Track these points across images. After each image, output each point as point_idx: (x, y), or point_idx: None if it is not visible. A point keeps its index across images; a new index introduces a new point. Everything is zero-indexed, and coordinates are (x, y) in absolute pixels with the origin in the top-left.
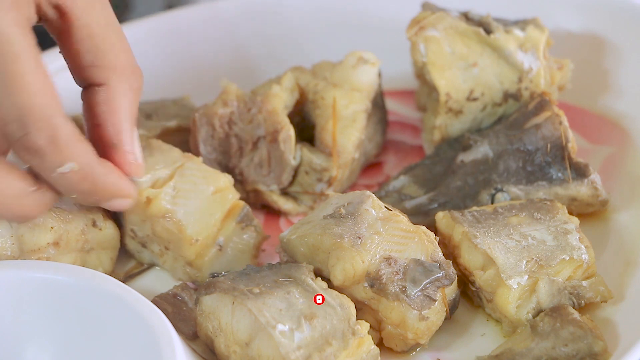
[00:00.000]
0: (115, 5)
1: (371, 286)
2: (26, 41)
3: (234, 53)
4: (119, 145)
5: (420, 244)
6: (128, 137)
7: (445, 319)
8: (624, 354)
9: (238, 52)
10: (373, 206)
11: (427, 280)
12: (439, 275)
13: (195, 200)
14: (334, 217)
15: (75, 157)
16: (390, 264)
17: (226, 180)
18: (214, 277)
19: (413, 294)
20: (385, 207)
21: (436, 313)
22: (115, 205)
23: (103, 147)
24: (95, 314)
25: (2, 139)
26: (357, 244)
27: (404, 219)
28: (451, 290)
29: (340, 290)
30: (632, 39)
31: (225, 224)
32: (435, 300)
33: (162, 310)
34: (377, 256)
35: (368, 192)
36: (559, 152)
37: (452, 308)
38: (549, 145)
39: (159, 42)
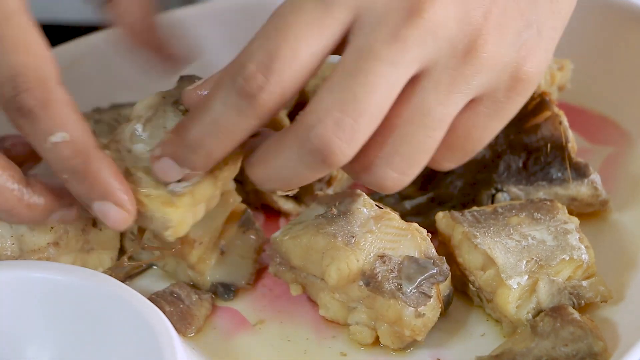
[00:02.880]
0: None
1: (366, 285)
2: (19, 2)
3: (233, 53)
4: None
5: (414, 241)
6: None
7: (440, 315)
8: (624, 354)
9: (237, 52)
10: (364, 205)
11: (421, 277)
12: (434, 271)
13: None
14: (326, 217)
15: (69, 127)
16: (384, 262)
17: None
18: (215, 286)
19: (408, 291)
20: (376, 205)
21: (432, 309)
22: (107, 212)
23: (150, 43)
24: (95, 314)
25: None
26: (351, 243)
27: (395, 216)
28: (445, 287)
29: (334, 290)
30: (632, 39)
31: (227, 227)
32: (430, 297)
33: (159, 309)
34: (372, 254)
35: (358, 191)
36: (559, 152)
37: (447, 304)
38: (549, 145)
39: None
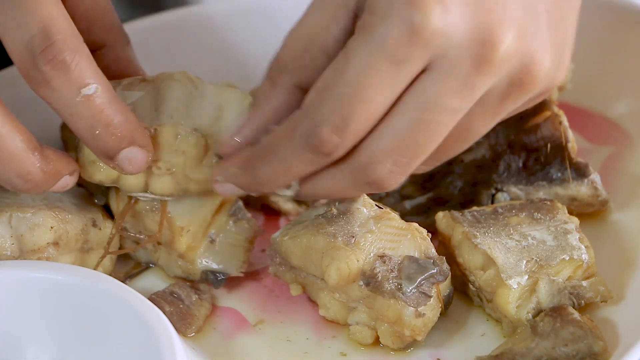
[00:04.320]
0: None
1: (367, 285)
2: None
3: (232, 54)
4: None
5: (413, 241)
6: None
7: (440, 314)
8: (624, 354)
9: (236, 53)
10: (364, 205)
11: (421, 277)
12: (434, 271)
13: None
14: (326, 217)
15: (98, 78)
16: (384, 262)
17: None
18: (205, 273)
19: (409, 290)
20: (376, 205)
21: (432, 309)
22: (135, 157)
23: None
24: (95, 314)
25: (28, 55)
26: (350, 243)
27: (395, 216)
28: (445, 286)
29: (334, 290)
30: (632, 39)
31: (217, 217)
32: (430, 297)
33: (159, 309)
34: (372, 254)
35: None
36: (559, 152)
37: (447, 304)
38: (549, 145)
39: (156, 43)
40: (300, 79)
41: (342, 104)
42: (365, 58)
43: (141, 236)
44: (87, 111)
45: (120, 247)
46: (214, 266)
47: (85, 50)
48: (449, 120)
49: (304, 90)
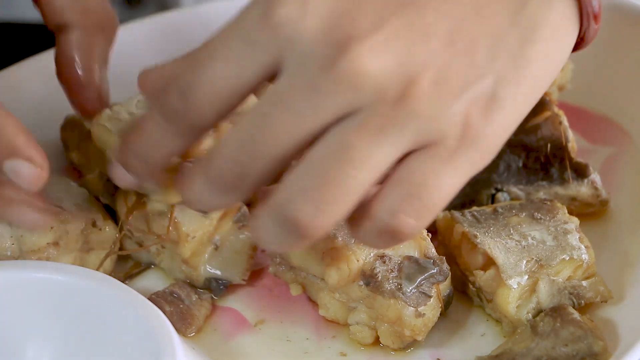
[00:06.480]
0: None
1: (366, 285)
2: None
3: None
4: (87, 84)
5: (413, 241)
6: (96, 77)
7: (440, 314)
8: (624, 354)
9: None
10: None
11: (421, 277)
12: (433, 271)
13: None
14: None
15: None
16: (384, 262)
17: None
18: (209, 280)
19: (409, 290)
20: None
21: (432, 309)
22: (19, 170)
23: (73, 87)
24: (95, 314)
25: None
26: (351, 243)
27: None
28: (445, 286)
29: (334, 290)
30: (632, 39)
31: (222, 223)
32: (430, 297)
33: (159, 309)
34: (371, 254)
35: None
36: (559, 152)
37: (447, 304)
38: (549, 145)
39: (156, 44)
40: None
41: (190, 70)
42: (221, 33)
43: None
44: None
45: (121, 248)
46: (218, 273)
47: None
48: (292, 122)
49: None
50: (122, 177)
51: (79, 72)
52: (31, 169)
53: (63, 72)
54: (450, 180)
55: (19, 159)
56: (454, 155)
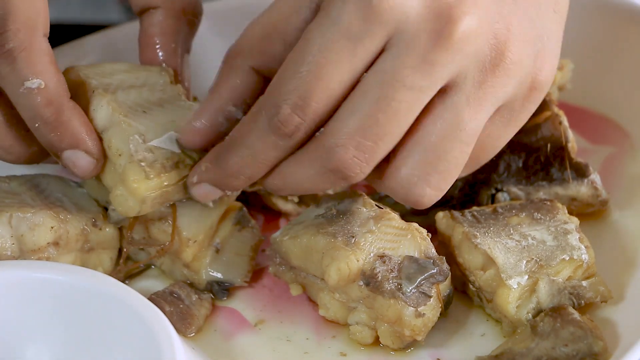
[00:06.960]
0: None
1: (366, 285)
2: None
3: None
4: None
5: (413, 241)
6: (178, 61)
7: (440, 314)
8: (624, 354)
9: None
10: (364, 205)
11: (421, 277)
12: (433, 271)
13: (190, 202)
14: (325, 217)
15: (45, 75)
16: (384, 262)
17: None
18: (210, 284)
19: (408, 291)
20: (376, 205)
21: (432, 309)
22: (77, 160)
23: None
24: (95, 314)
25: None
26: (350, 243)
27: (395, 216)
28: (445, 286)
29: (334, 290)
30: (632, 39)
31: (222, 225)
32: (430, 297)
33: (159, 309)
34: (372, 254)
35: (358, 191)
36: (559, 152)
37: (447, 304)
38: (549, 145)
39: None
40: (257, 62)
41: (301, 83)
42: (323, 36)
43: (151, 245)
44: (27, 103)
45: (121, 248)
46: (219, 276)
47: (40, 45)
48: (411, 98)
49: (260, 74)
50: (209, 195)
51: (160, 54)
52: (87, 159)
53: (145, 54)
54: (506, 139)
55: (78, 149)
56: (516, 116)
